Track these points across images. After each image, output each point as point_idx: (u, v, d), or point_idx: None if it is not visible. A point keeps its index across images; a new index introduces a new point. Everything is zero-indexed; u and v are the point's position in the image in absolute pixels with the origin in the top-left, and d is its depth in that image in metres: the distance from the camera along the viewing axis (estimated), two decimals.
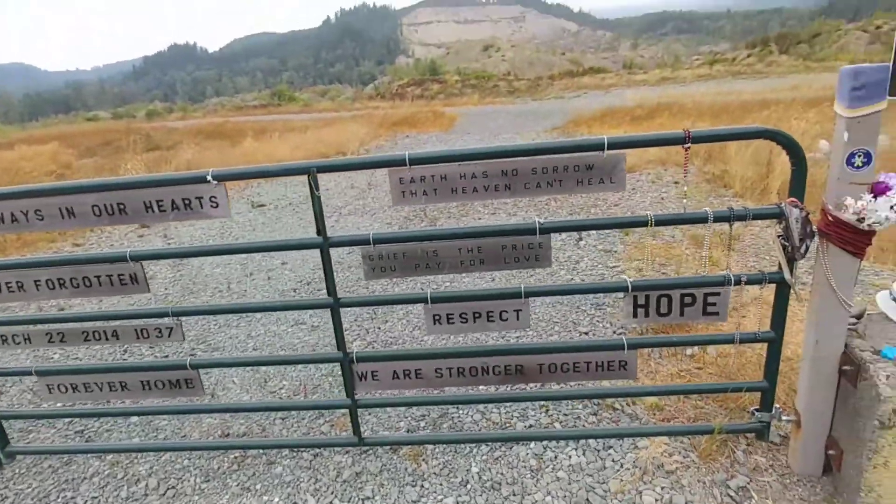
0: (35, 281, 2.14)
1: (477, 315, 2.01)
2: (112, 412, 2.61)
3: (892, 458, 1.73)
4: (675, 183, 6.83)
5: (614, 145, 1.73)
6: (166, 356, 3.46)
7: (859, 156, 1.68)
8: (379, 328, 3.59)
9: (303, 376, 3.06)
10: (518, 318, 2.01)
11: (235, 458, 2.42)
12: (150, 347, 3.56)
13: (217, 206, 1.94)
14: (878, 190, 1.67)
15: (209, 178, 1.88)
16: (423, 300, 1.99)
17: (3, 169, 15.70)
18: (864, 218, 1.67)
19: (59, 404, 2.87)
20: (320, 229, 1.93)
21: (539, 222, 1.86)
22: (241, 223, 7.12)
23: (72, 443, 2.68)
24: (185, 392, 2.27)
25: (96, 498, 2.27)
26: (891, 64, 4.23)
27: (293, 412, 2.70)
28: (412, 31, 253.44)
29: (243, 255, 5.26)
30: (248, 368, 3.19)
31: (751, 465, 2.12)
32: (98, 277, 2.09)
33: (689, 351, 2.91)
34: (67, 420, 2.84)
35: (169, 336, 2.16)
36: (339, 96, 56.43)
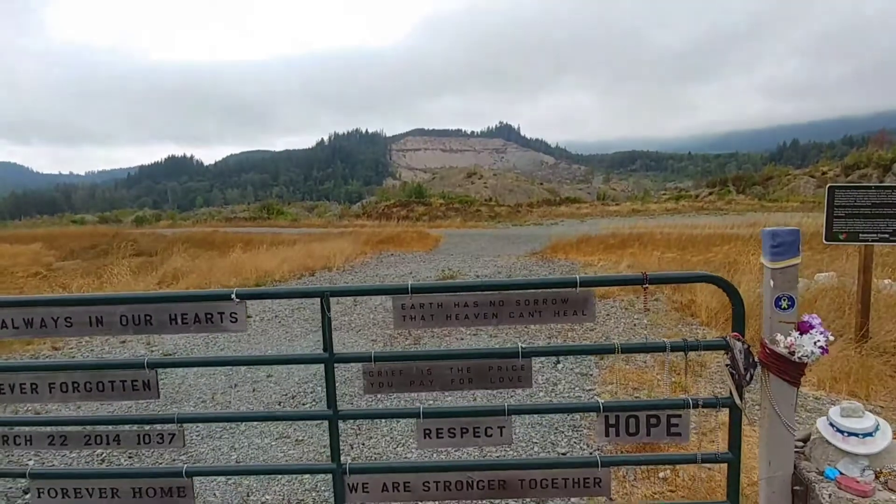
0: (49, 384, 2.28)
1: (464, 430, 2.19)
2: None
3: None
4: (648, 310, 7.24)
5: (585, 283, 2.07)
6: (140, 462, 3.43)
7: (784, 299, 2.03)
8: (363, 444, 3.64)
9: (286, 490, 3.08)
10: (501, 435, 2.19)
11: None
12: (136, 454, 3.53)
13: (235, 322, 2.18)
14: (803, 328, 2.00)
15: (233, 296, 2.14)
16: (416, 415, 2.18)
17: None
18: (794, 352, 1.98)
19: None
20: (327, 346, 2.16)
21: (521, 347, 2.13)
22: (226, 336, 7.20)
23: None
24: (177, 501, 2.32)
25: None
26: (824, 215, 4.85)
27: None
28: (400, 155, 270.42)
29: (228, 367, 5.30)
30: (229, 481, 3.18)
31: None
32: (112, 383, 2.25)
33: (661, 474, 3.05)
34: None
35: (171, 442, 2.28)
36: (326, 212, 58.58)
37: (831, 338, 2.00)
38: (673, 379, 4.21)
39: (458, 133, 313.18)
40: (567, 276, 2.04)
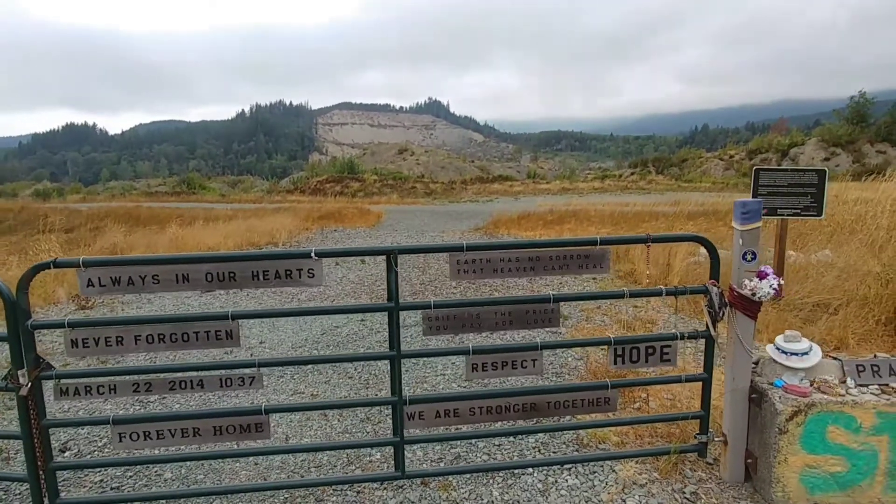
0: (135, 336, 2.52)
1: (505, 364, 2.69)
2: (170, 458, 2.85)
3: (789, 454, 2.57)
4: (594, 279, 8.05)
5: (604, 242, 2.60)
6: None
7: (749, 254, 2.67)
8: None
9: (346, 424, 3.48)
10: (534, 366, 2.71)
11: (285, 499, 2.77)
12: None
13: (313, 277, 2.52)
14: (761, 275, 2.65)
15: (313, 254, 2.48)
16: (466, 352, 2.65)
17: None
18: (755, 293, 2.63)
19: (123, 452, 3.02)
20: (392, 297, 2.56)
21: (552, 294, 2.64)
22: (230, 299, 7.22)
23: (111, 493, 2.85)
24: (255, 436, 2.65)
25: None
26: (750, 194, 5.70)
27: (329, 461, 3.10)
28: (327, 129, 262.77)
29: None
30: (293, 418, 3.52)
31: (696, 478, 2.88)
32: (196, 333, 2.53)
33: (635, 404, 3.72)
34: (100, 472, 3.00)
35: (251, 384, 2.60)
36: (252, 188, 56.44)
37: (782, 281, 2.66)
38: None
39: (386, 108, 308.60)
40: (589, 237, 2.56)
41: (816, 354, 2.74)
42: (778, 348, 2.80)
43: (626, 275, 8.07)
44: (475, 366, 2.68)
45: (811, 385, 2.67)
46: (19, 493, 2.83)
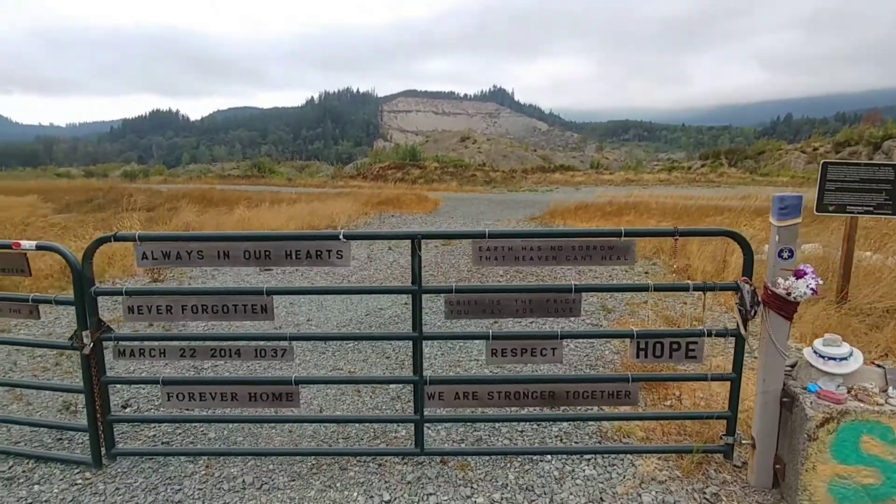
0: (182, 305, 2.76)
1: (524, 350, 2.73)
2: (213, 419, 3.11)
3: (818, 462, 2.47)
4: (645, 273, 7.83)
5: (628, 234, 2.57)
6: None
7: (786, 251, 2.55)
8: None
9: (378, 401, 3.66)
10: (554, 354, 2.73)
11: (313, 464, 2.95)
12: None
13: (341, 258, 2.66)
14: (799, 274, 2.53)
15: (341, 236, 2.61)
16: (486, 337, 2.71)
17: None
18: (791, 293, 2.52)
19: (172, 410, 3.32)
20: (416, 280, 2.66)
21: (574, 284, 2.64)
22: (252, 282, 7.67)
23: (161, 447, 3.14)
24: (286, 404, 2.84)
25: (200, 489, 2.75)
26: (816, 189, 5.41)
27: (357, 434, 3.27)
28: (392, 116, 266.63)
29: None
30: (329, 392, 3.74)
31: (720, 480, 2.81)
32: (235, 306, 2.73)
33: (667, 401, 3.65)
34: (153, 427, 3.31)
35: (282, 356, 2.78)
36: (317, 173, 58.40)
37: (821, 282, 2.53)
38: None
39: (450, 95, 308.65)
40: (613, 228, 2.53)
41: (857, 360, 2.59)
42: (815, 352, 2.67)
43: (679, 271, 7.80)
44: (495, 351, 2.73)
45: (848, 392, 2.53)
46: (81, 443, 3.18)
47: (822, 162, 5.45)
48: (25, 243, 2.70)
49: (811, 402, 2.50)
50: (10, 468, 2.95)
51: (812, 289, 2.51)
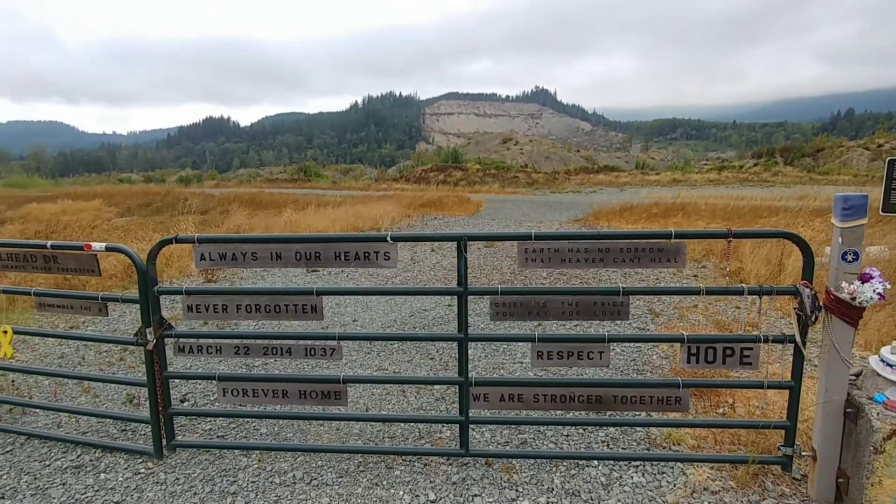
0: (237, 305, 2.88)
1: (570, 354, 2.70)
2: (265, 415, 3.23)
3: (884, 477, 2.33)
4: (695, 276, 7.58)
5: (678, 235, 2.50)
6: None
7: (850, 254, 2.43)
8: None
9: (422, 402, 3.71)
10: (601, 358, 2.69)
11: (359, 462, 3.01)
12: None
13: (388, 260, 2.70)
14: (864, 278, 2.40)
15: (388, 238, 2.66)
16: (532, 339, 2.70)
17: (42, 220, 17.08)
18: (855, 297, 2.39)
19: (227, 405, 3.47)
20: (462, 282, 2.68)
21: (622, 287, 2.59)
22: (300, 283, 7.87)
23: (216, 440, 3.28)
24: (334, 402, 2.92)
25: (254, 482, 2.86)
26: (882, 188, 5.12)
27: (402, 433, 3.31)
28: (434, 119, 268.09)
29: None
30: (374, 392, 3.82)
31: (777, 493, 2.69)
32: (287, 306, 2.83)
33: (720, 409, 3.52)
34: (209, 422, 3.45)
35: (331, 355, 2.86)
36: (362, 176, 59.40)
37: (888, 286, 2.40)
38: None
39: (492, 97, 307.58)
40: (662, 230, 2.48)
41: None
42: (882, 360, 2.53)
43: (731, 274, 7.51)
44: (540, 353, 2.71)
45: None
46: (144, 434, 3.35)
47: (888, 159, 5.15)
48: (96, 245, 2.88)
49: (878, 413, 2.36)
50: (78, 457, 3.15)
51: (879, 293, 2.38)
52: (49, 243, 2.97)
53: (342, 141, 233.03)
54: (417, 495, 2.72)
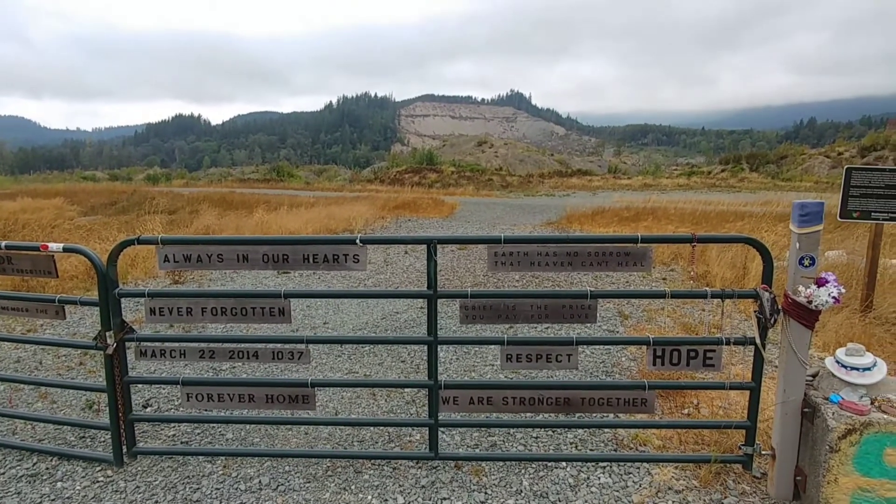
0: (202, 308, 2.81)
1: (539, 356, 2.72)
2: (231, 420, 3.16)
3: (840, 475, 2.42)
4: (663, 279, 7.74)
5: (644, 240, 2.55)
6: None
7: (807, 259, 2.51)
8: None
9: (392, 405, 3.67)
10: (569, 361, 2.72)
11: (328, 466, 2.98)
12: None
13: (357, 262, 2.68)
14: (821, 282, 2.49)
15: (357, 241, 2.64)
16: (501, 342, 2.71)
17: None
18: (812, 301, 2.48)
19: (191, 410, 3.38)
20: (431, 285, 2.67)
21: (590, 290, 2.63)
22: (271, 284, 7.75)
23: (180, 446, 3.19)
24: (302, 406, 2.88)
25: (218, 489, 2.79)
26: (840, 194, 5.31)
27: (371, 437, 3.28)
28: (409, 121, 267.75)
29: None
30: (344, 395, 3.76)
31: (738, 491, 2.76)
32: (254, 309, 2.78)
33: (685, 410, 3.60)
34: (173, 427, 3.36)
35: (299, 359, 2.81)
36: (336, 176, 58.88)
37: (843, 290, 2.48)
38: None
39: (468, 100, 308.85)
40: (630, 234, 2.52)
41: (881, 371, 2.53)
42: (838, 361, 2.62)
43: (698, 277, 7.69)
44: (510, 356, 2.73)
45: (872, 403, 2.47)
46: (104, 441, 3.25)
47: (846, 167, 5.35)
48: (53, 245, 2.78)
49: (833, 413, 2.45)
50: (34, 465, 3.03)
51: (834, 297, 2.46)
52: (3, 243, 2.86)
53: (316, 141, 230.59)
54: (386, 499, 2.70)
